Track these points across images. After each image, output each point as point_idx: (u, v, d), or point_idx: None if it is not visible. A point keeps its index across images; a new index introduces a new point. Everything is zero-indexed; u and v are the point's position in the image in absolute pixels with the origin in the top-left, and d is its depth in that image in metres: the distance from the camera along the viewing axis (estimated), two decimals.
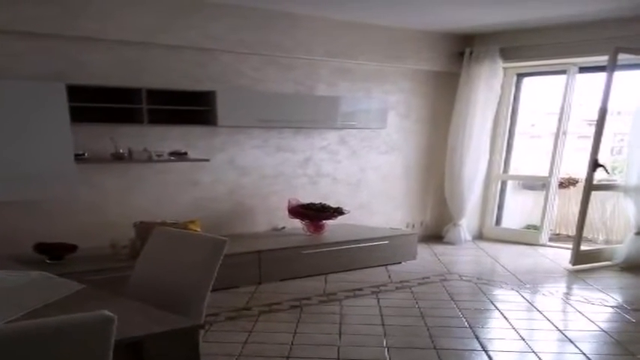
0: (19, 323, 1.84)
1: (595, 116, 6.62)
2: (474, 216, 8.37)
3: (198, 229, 5.42)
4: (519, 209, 8.65)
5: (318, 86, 7.08)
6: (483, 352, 4.19)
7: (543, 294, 5.73)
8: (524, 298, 5.55)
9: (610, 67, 6.47)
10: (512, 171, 8.49)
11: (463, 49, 7.94)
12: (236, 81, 6.47)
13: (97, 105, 5.39)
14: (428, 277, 6.21)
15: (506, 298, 5.59)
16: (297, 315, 4.93)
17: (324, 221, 6.62)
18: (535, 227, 8.25)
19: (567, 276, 6.48)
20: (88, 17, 5.44)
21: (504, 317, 4.98)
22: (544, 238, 8.00)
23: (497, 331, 4.70)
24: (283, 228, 6.91)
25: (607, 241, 7.87)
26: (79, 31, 5.43)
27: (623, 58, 6.50)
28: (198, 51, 6.18)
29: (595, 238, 8.04)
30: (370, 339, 4.42)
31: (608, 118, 6.64)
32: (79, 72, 5.50)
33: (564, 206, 8.45)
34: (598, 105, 6.56)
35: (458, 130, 7.97)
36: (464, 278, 6.23)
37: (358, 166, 7.59)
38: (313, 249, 6.22)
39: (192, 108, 5.96)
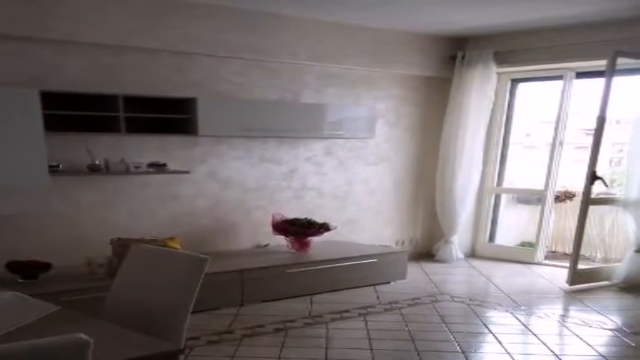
0: None
1: (593, 125, 6.63)
2: (467, 232, 8.42)
3: (178, 247, 5.44)
4: (514, 225, 8.71)
5: (304, 93, 7.11)
6: None
7: (539, 316, 5.79)
8: (519, 321, 5.61)
9: (609, 72, 6.47)
10: (506, 184, 8.54)
11: (455, 53, 7.96)
12: (218, 87, 6.48)
13: (72, 113, 5.37)
14: (418, 298, 6.25)
15: (500, 320, 5.66)
16: (282, 339, 4.95)
17: (309, 238, 6.63)
18: (530, 244, 8.31)
19: (564, 297, 6.54)
20: (62, 18, 5.43)
21: (498, 341, 5.03)
22: (539, 256, 8.05)
23: (490, 356, 4.76)
24: (267, 245, 6.93)
25: (605, 260, 7.90)
26: (53, 34, 5.41)
27: (622, 62, 6.49)
28: (177, 54, 6.19)
29: (593, 256, 8.07)
30: None
31: (607, 127, 6.65)
32: (53, 77, 5.49)
33: (561, 222, 8.50)
34: (596, 113, 6.56)
35: (450, 140, 7.99)
36: (456, 299, 6.27)
37: (345, 179, 7.62)
38: (298, 268, 6.23)
39: (172, 116, 5.97)
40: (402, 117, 7.99)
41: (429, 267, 7.72)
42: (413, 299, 6.21)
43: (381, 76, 7.68)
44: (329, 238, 6.89)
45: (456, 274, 7.48)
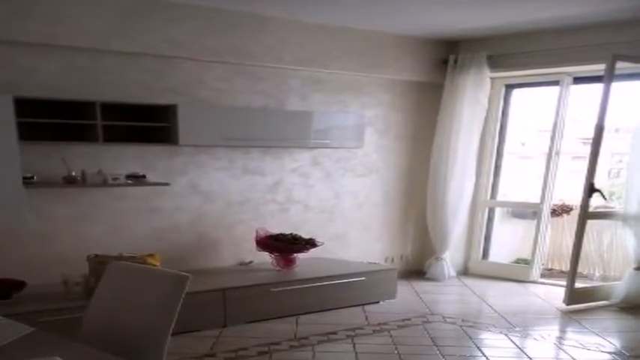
0: None
1: (591, 134, 6.63)
2: (459, 248, 8.44)
3: (158, 264, 5.42)
4: (508, 241, 8.72)
5: (289, 99, 7.12)
6: None
7: (534, 338, 5.83)
8: (514, 343, 5.64)
9: (607, 77, 6.47)
10: (500, 196, 8.55)
11: (447, 57, 7.98)
12: (199, 93, 6.48)
13: (48, 121, 5.36)
14: (409, 319, 6.26)
15: (494, 342, 5.69)
16: None
17: (295, 254, 6.64)
18: (525, 261, 8.33)
19: (561, 317, 6.58)
20: (37, 20, 5.41)
21: None
22: (535, 273, 8.07)
23: None
24: (250, 262, 6.92)
25: (604, 278, 7.95)
26: (27, 36, 5.40)
27: (622, 66, 6.50)
28: (157, 58, 6.19)
29: (591, 274, 8.12)
30: None
31: (606, 135, 6.67)
32: (27, 83, 5.47)
33: (557, 237, 8.52)
34: (594, 121, 6.56)
35: (441, 149, 8.00)
36: (448, 320, 6.30)
37: (332, 191, 7.63)
38: (283, 286, 6.23)
39: (151, 124, 5.96)
40: (391, 125, 8.00)
41: (420, 285, 7.73)
42: (403, 320, 6.23)
43: (369, 81, 7.69)
44: (315, 254, 6.89)
45: (447, 293, 7.52)
